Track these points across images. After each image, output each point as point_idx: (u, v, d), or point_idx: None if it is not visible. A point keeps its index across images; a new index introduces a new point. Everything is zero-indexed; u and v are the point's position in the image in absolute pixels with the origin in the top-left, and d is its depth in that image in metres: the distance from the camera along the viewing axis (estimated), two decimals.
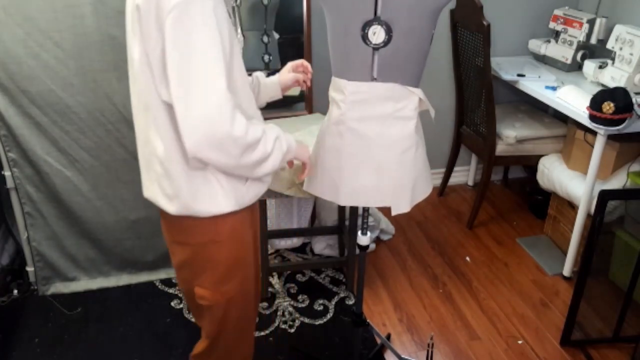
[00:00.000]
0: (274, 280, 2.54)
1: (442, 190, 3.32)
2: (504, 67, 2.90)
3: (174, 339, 2.18)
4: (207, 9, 1.06)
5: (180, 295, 2.38)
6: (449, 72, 3.07)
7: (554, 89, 2.59)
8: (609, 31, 2.60)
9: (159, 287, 2.46)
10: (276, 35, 2.60)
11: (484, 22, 2.49)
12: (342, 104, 1.45)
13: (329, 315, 2.33)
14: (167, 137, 1.20)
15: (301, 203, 2.67)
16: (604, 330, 2.25)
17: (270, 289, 2.47)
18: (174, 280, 2.47)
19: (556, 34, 2.90)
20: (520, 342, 2.23)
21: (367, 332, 2.19)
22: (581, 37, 2.74)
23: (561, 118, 2.82)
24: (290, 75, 1.61)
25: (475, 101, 2.83)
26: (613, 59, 2.51)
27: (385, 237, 2.86)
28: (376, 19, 1.32)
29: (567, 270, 2.59)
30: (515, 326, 2.31)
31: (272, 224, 2.65)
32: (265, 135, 1.21)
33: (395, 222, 2.97)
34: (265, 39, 2.53)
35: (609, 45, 2.54)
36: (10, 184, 2.24)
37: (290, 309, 2.37)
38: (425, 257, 2.74)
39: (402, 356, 2.09)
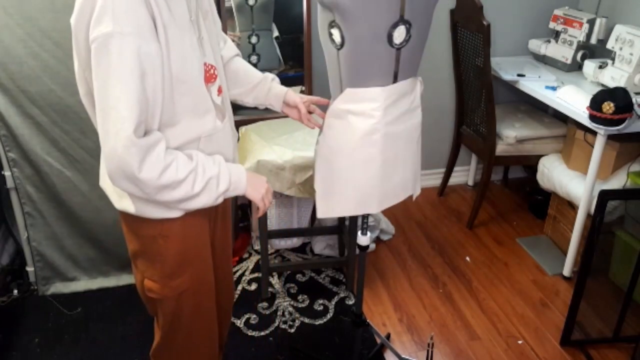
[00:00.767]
0: (274, 280, 2.54)
1: (442, 190, 3.32)
2: (504, 67, 2.90)
3: None
4: (126, 49, 1.05)
5: None
6: (449, 72, 3.07)
7: (554, 89, 2.59)
8: (609, 31, 2.60)
9: None
10: (275, 33, 2.60)
11: (484, 22, 2.49)
12: (375, 112, 1.43)
13: (329, 315, 2.33)
14: None
15: (301, 203, 2.67)
16: (604, 330, 2.25)
17: (270, 289, 2.47)
18: None
19: (556, 34, 2.90)
20: (520, 342, 2.23)
21: (367, 332, 2.19)
22: (581, 37, 2.74)
23: (561, 118, 2.82)
24: (299, 98, 1.56)
25: (475, 101, 2.83)
26: (613, 59, 2.51)
27: (385, 237, 2.86)
28: (401, 20, 1.35)
29: (567, 270, 2.59)
30: (515, 326, 2.31)
31: (272, 224, 2.65)
32: (194, 174, 1.18)
33: (395, 222, 2.97)
34: (254, 39, 2.53)
35: (609, 45, 2.54)
36: (10, 184, 2.24)
37: (290, 309, 2.37)
38: (425, 257, 2.74)
39: (402, 356, 2.09)
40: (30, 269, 2.42)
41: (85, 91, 1.22)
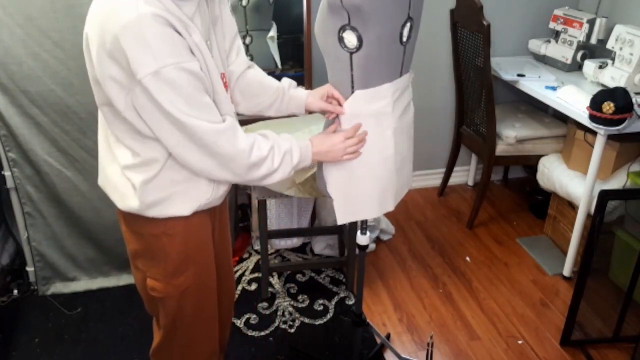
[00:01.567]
0: (274, 280, 2.54)
1: (442, 190, 3.32)
2: (504, 67, 2.90)
3: None
4: (175, 77, 1.12)
5: None
6: (449, 72, 3.07)
7: (554, 89, 2.59)
8: (609, 31, 2.60)
9: None
10: (270, 33, 2.60)
11: (484, 22, 2.49)
12: (386, 108, 1.43)
13: (329, 315, 2.33)
14: (126, 147, 1.26)
15: (301, 203, 2.67)
16: (604, 330, 2.25)
17: (270, 289, 2.47)
18: None
19: (556, 34, 2.90)
20: (520, 342, 2.23)
21: (367, 332, 2.19)
22: (581, 37, 2.74)
23: (561, 118, 2.82)
24: (321, 104, 1.49)
25: (475, 101, 2.83)
26: (613, 59, 2.51)
27: (385, 237, 2.86)
28: (409, 17, 1.37)
29: (567, 270, 2.59)
30: (515, 326, 2.31)
31: (272, 224, 2.65)
32: (273, 151, 1.28)
33: (395, 222, 2.97)
34: (248, 40, 2.54)
35: (609, 45, 2.54)
36: (10, 184, 2.24)
37: (290, 309, 2.37)
38: (425, 257, 2.74)
39: (402, 356, 2.09)
40: (30, 269, 2.42)
41: (104, 101, 1.23)
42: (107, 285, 2.46)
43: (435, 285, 2.54)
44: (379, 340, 2.18)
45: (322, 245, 2.72)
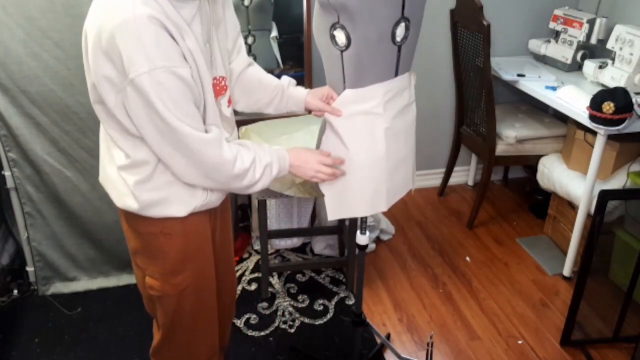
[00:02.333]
0: (274, 280, 2.54)
1: (442, 190, 3.32)
2: (504, 67, 2.90)
3: None
4: (164, 79, 1.12)
5: None
6: (449, 72, 3.07)
7: (554, 89, 2.59)
8: (609, 31, 2.60)
9: None
10: (273, 33, 2.60)
11: (484, 22, 2.49)
12: (376, 109, 1.43)
13: (329, 315, 2.33)
14: (119, 147, 1.27)
15: (301, 203, 2.67)
16: (604, 330, 2.25)
17: (270, 289, 2.47)
18: None
19: (556, 34, 2.90)
20: (520, 342, 2.23)
21: (367, 332, 2.19)
22: (581, 37, 2.74)
23: (561, 118, 2.82)
24: (319, 104, 1.50)
25: (475, 101, 2.83)
26: (613, 59, 2.51)
27: (385, 237, 2.86)
28: (403, 17, 1.36)
29: (567, 270, 2.59)
30: (515, 326, 2.31)
31: (272, 224, 2.65)
32: (254, 163, 1.30)
33: (395, 222, 2.97)
34: (250, 40, 2.54)
35: (609, 45, 2.54)
36: (10, 184, 2.24)
37: (290, 309, 2.37)
38: (425, 257, 2.74)
39: (402, 356, 2.09)
40: (30, 269, 2.42)
41: (97, 99, 1.23)
42: (107, 285, 2.46)
43: (435, 285, 2.54)
44: (379, 340, 2.18)
45: (322, 245, 2.72)
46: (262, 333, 2.23)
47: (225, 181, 1.27)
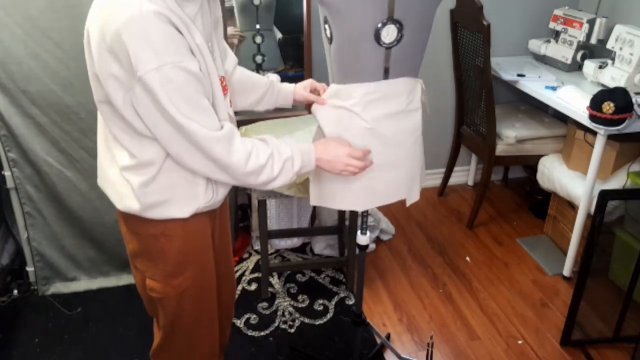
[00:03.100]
0: (274, 280, 2.54)
1: (442, 190, 3.32)
2: (504, 67, 2.90)
3: None
4: (174, 75, 1.12)
5: None
6: (449, 72, 3.07)
7: (554, 89, 2.59)
8: (609, 31, 2.60)
9: None
10: (278, 34, 2.60)
11: (484, 22, 2.49)
12: (354, 108, 1.43)
13: (329, 315, 2.33)
14: (123, 148, 1.26)
15: (301, 203, 2.67)
16: (604, 330, 2.25)
17: (270, 289, 2.47)
18: None
19: (556, 34, 2.90)
20: (520, 342, 2.23)
21: (367, 332, 2.19)
22: (581, 37, 2.74)
23: (561, 118, 2.82)
24: (306, 94, 1.56)
25: (475, 101, 2.83)
26: (613, 59, 2.51)
27: (385, 237, 2.86)
28: (390, 19, 1.34)
29: (567, 270, 2.59)
30: (515, 326, 2.31)
31: (272, 224, 2.65)
32: (272, 158, 1.27)
33: (395, 222, 2.97)
34: (258, 39, 2.53)
35: (609, 45, 2.54)
36: (10, 184, 2.24)
37: (290, 309, 2.37)
38: (425, 257, 2.74)
39: (402, 356, 2.09)
40: (30, 269, 2.42)
41: (102, 98, 1.22)
42: (107, 285, 2.46)
43: (435, 285, 2.54)
44: (379, 340, 2.18)
45: (322, 245, 2.72)
46: (262, 333, 2.23)
47: (241, 177, 1.25)
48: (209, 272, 1.44)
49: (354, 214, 2.26)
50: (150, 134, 1.19)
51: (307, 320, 2.30)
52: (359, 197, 1.52)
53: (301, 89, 1.57)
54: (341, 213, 2.58)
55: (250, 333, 2.23)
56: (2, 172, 2.23)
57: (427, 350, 2.06)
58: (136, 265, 1.41)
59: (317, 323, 2.29)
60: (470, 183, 3.45)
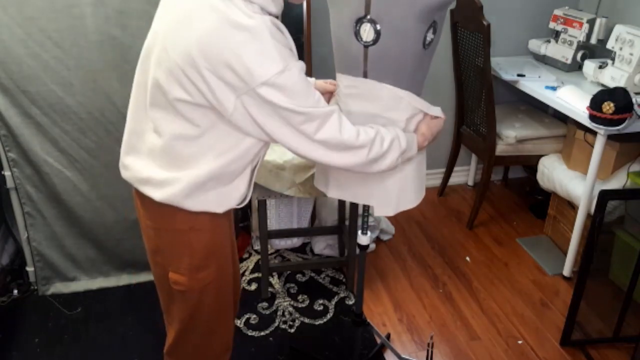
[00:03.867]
0: (274, 280, 2.54)
1: (442, 190, 3.32)
2: (504, 67, 2.90)
3: None
4: (289, 75, 1.16)
5: None
6: (449, 72, 3.07)
7: (554, 89, 2.59)
8: (609, 31, 2.60)
9: None
10: None
11: (484, 22, 2.49)
12: (338, 95, 1.48)
13: (329, 315, 2.33)
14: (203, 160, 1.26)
15: (301, 203, 2.67)
16: (604, 330, 2.25)
17: (270, 289, 2.47)
18: None
19: (556, 34, 2.90)
20: (520, 342, 2.23)
21: (367, 332, 2.19)
22: (581, 37, 2.74)
23: (561, 118, 2.82)
24: (325, 85, 1.60)
25: (475, 101, 2.83)
26: (613, 59, 2.51)
27: (385, 237, 2.86)
28: (366, 17, 1.33)
29: (567, 270, 2.59)
30: (515, 326, 2.31)
31: (272, 224, 2.65)
32: (380, 135, 1.32)
33: (395, 222, 2.97)
34: None
35: (609, 45, 2.54)
36: (10, 184, 2.24)
37: (290, 309, 2.37)
38: (425, 257, 2.74)
39: (402, 356, 2.09)
40: (30, 269, 2.42)
41: (179, 96, 1.19)
42: (107, 285, 2.46)
43: (435, 285, 2.54)
44: (379, 340, 2.18)
45: (322, 245, 2.72)
46: (262, 333, 2.23)
47: (353, 154, 1.28)
48: (229, 267, 1.47)
49: (354, 213, 2.26)
50: (266, 137, 1.23)
51: (307, 320, 2.30)
52: (328, 182, 1.58)
53: (321, 82, 1.62)
54: (341, 213, 2.58)
55: (250, 333, 2.23)
56: (2, 172, 2.23)
57: (427, 350, 2.06)
58: (157, 261, 1.43)
59: (317, 323, 2.29)
60: (470, 183, 3.45)
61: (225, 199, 1.33)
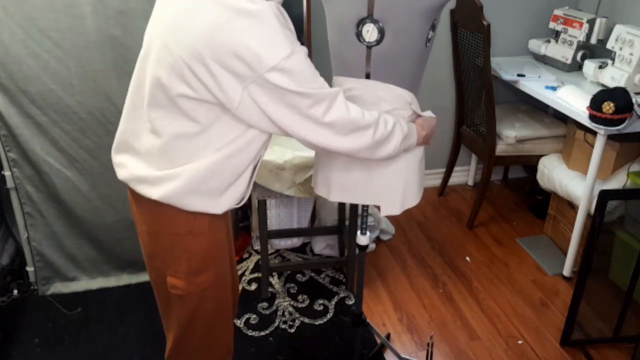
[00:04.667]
0: (274, 280, 2.54)
1: (442, 190, 3.32)
2: (504, 67, 2.90)
3: None
4: (298, 59, 1.17)
5: None
6: (449, 72, 3.07)
7: (554, 89, 2.59)
8: (609, 31, 2.60)
9: None
10: None
11: (484, 22, 2.49)
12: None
13: (329, 315, 2.33)
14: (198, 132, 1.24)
15: (301, 203, 2.68)
16: (604, 330, 2.25)
17: (270, 289, 2.47)
18: None
19: (556, 34, 2.90)
20: (520, 342, 2.23)
21: (367, 332, 2.19)
22: (581, 37, 2.74)
23: (561, 118, 2.82)
24: None
25: (475, 101, 2.83)
26: (613, 59, 2.51)
27: (385, 237, 2.86)
28: (369, 17, 1.33)
29: (567, 270, 2.59)
30: (515, 326, 2.31)
31: (272, 224, 2.65)
32: (383, 117, 1.33)
33: (395, 222, 2.97)
34: None
35: (609, 45, 2.54)
36: (10, 184, 2.24)
37: (290, 309, 2.37)
38: (425, 257, 2.74)
39: (402, 356, 2.09)
40: (30, 269, 2.42)
41: (183, 92, 1.18)
42: (107, 285, 2.46)
43: (435, 285, 2.55)
44: (379, 340, 2.18)
45: (322, 245, 2.72)
46: (262, 333, 2.23)
47: (361, 134, 1.28)
48: (227, 270, 1.46)
49: (354, 213, 2.26)
50: (274, 129, 1.23)
51: (307, 320, 2.30)
52: (330, 186, 1.58)
53: None
54: (341, 213, 2.58)
55: (250, 333, 2.23)
56: (2, 172, 2.23)
57: (427, 350, 2.06)
58: (154, 265, 1.41)
59: (317, 323, 2.30)
60: (470, 183, 3.45)
61: (226, 196, 1.31)
